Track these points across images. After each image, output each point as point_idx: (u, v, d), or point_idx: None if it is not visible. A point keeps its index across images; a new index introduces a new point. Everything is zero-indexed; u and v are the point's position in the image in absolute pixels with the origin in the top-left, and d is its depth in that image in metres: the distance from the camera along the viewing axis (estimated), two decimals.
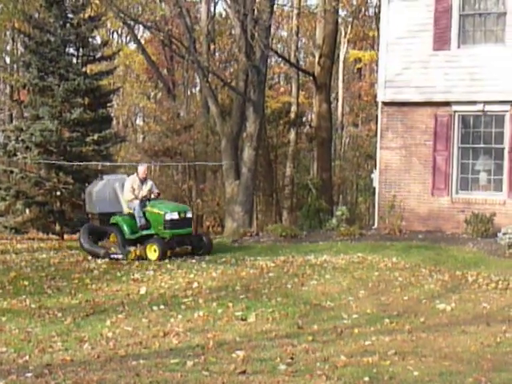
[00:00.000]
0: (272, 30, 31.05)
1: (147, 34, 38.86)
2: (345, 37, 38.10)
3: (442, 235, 17.70)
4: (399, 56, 19.07)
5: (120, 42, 42.81)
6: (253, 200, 24.74)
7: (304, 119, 39.20)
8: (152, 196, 16.59)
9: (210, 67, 27.66)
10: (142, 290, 12.42)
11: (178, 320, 10.35)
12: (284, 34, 42.68)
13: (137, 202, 16.35)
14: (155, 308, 11.10)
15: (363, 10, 39.13)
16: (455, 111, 18.59)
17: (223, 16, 39.10)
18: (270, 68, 37.70)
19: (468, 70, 18.25)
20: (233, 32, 32.92)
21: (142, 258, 15.60)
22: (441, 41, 18.49)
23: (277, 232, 18.96)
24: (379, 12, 20.89)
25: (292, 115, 34.23)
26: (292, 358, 8.14)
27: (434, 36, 18.57)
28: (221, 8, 66.81)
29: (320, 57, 27.73)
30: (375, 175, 19.71)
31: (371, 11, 38.40)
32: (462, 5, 18.35)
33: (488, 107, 18.18)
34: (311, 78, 29.98)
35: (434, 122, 18.80)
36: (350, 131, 41.84)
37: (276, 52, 33.01)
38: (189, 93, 38.91)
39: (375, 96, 20.75)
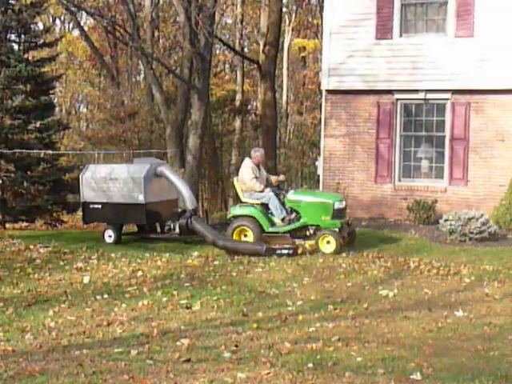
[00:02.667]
0: (216, 18, 30.92)
1: (90, 21, 38.32)
2: (289, 25, 38.14)
3: (385, 222, 17.92)
4: (343, 45, 19.15)
5: (63, 28, 42.12)
6: (198, 188, 24.66)
7: (249, 107, 39.21)
8: (274, 183, 15.23)
9: (154, 54, 27.40)
10: (86, 279, 12.24)
11: (122, 309, 10.23)
12: (229, 21, 42.54)
13: (268, 191, 14.89)
14: (99, 297, 10.95)
15: None
16: (398, 99, 18.78)
17: (167, 3, 38.73)
18: (215, 56, 37.54)
19: (410, 58, 18.43)
20: (177, 19, 32.68)
21: (312, 251, 14.17)
22: (383, 30, 18.63)
23: (222, 220, 18.92)
24: (323, 1, 20.92)
25: (237, 103, 34.18)
26: (237, 346, 8.12)
27: (377, 25, 18.70)
28: None
29: (265, 45, 27.69)
30: (319, 163, 19.82)
31: (315, 0, 38.51)
32: None
33: (430, 95, 18.41)
34: (256, 66, 29.95)
35: (376, 110, 18.97)
36: (294, 119, 41.91)
37: (221, 40, 32.86)
38: (133, 80, 38.53)
39: (319, 84, 20.86)
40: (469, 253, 14.03)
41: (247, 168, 15.03)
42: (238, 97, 34.19)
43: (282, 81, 39.38)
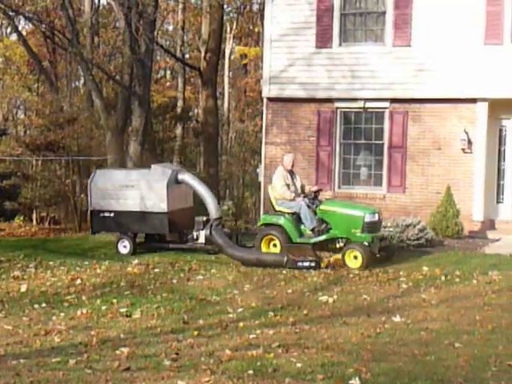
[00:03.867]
0: (157, 24, 30.77)
1: (29, 26, 37.74)
2: (230, 32, 38.22)
3: None
4: (283, 53, 19.29)
5: (0, 33, 41.41)
6: None
7: (190, 114, 39.08)
8: (307, 192, 14.76)
9: (93, 60, 27.13)
10: (23, 288, 12.07)
11: (61, 318, 10.11)
12: (170, 28, 42.41)
13: (300, 200, 14.38)
14: (36, 306, 10.81)
15: (248, 6, 39.34)
16: (337, 108, 19.00)
17: (107, 8, 38.41)
18: (156, 62, 37.37)
19: (349, 67, 18.68)
20: (117, 25, 32.43)
21: (337, 266, 13.45)
22: (323, 39, 18.83)
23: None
24: (263, 9, 21.03)
25: (178, 110, 34.07)
26: (177, 354, 8.09)
27: (317, 34, 18.89)
28: (104, 0, 65.64)
29: (206, 52, 27.68)
30: (261, 170, 19.89)
31: (256, 8, 38.68)
32: (343, 4, 18.76)
33: (368, 104, 18.67)
34: (197, 72, 29.90)
35: (317, 118, 19.14)
36: (236, 126, 41.97)
37: (161, 46, 32.73)
38: (72, 86, 38.04)
39: (261, 92, 20.90)
40: (406, 259, 14.23)
41: (278, 175, 14.61)
42: (180, 103, 34.09)
43: (224, 88, 39.42)
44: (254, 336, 8.88)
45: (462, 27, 17.66)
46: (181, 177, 15.25)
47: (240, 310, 10.45)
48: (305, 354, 7.92)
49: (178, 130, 34.01)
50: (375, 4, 18.68)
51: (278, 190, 14.42)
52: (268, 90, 19.59)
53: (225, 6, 31.40)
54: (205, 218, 15.18)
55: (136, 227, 15.27)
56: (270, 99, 19.68)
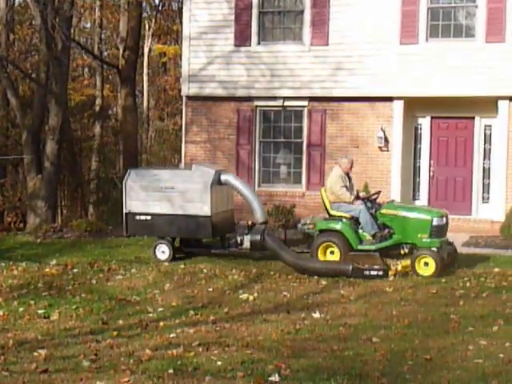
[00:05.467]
0: (74, 22, 30.33)
1: None
2: (149, 30, 37.93)
3: None
4: (202, 51, 19.29)
5: None
6: (57, 195, 24.07)
7: (109, 113, 38.66)
8: (362, 196, 13.86)
9: (9, 58, 26.55)
10: None
11: None
12: (87, 25, 41.80)
13: (359, 203, 13.41)
14: None
15: (167, 4, 39.14)
16: (257, 106, 19.09)
17: (23, 5, 37.63)
18: (73, 60, 36.77)
19: (269, 66, 18.79)
20: (33, 22, 31.82)
21: (406, 273, 12.44)
22: (242, 37, 18.90)
23: (81, 227, 18.59)
24: (182, 7, 20.98)
25: (97, 108, 33.64)
26: (96, 355, 8.01)
27: (236, 32, 18.95)
28: None
29: (124, 50, 27.36)
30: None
31: (175, 6, 38.53)
32: (261, 2, 18.87)
33: (287, 103, 18.82)
34: (116, 70, 29.57)
35: (237, 116, 19.21)
36: (156, 125, 41.73)
37: (79, 43, 32.25)
38: None
39: (180, 90, 20.83)
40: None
41: (336, 177, 13.59)
42: (98, 102, 33.65)
43: (143, 86, 39.09)
44: (175, 335, 8.86)
45: (379, 26, 17.99)
46: (224, 178, 14.39)
47: (160, 309, 10.41)
48: (225, 352, 7.95)
49: (97, 129, 33.56)
50: (293, 3, 18.85)
51: (336, 192, 13.42)
52: (187, 89, 19.54)
53: (143, 4, 31.15)
54: (250, 222, 14.26)
55: (175, 231, 14.29)
56: (189, 97, 19.64)
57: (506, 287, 11.45)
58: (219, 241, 14.74)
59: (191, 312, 10.13)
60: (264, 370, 7.18)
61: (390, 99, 18.05)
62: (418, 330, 8.87)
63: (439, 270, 12.32)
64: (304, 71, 18.52)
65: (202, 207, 13.96)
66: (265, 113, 19.18)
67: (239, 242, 14.08)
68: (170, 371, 7.21)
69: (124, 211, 14.55)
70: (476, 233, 16.90)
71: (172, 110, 41.22)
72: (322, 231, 13.44)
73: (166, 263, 13.85)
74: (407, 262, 12.57)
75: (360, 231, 13.32)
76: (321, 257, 13.24)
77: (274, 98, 18.83)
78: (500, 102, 17.55)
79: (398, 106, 18.00)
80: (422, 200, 18.52)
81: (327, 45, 18.32)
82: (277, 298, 11.06)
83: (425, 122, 18.62)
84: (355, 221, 13.36)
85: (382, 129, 18.06)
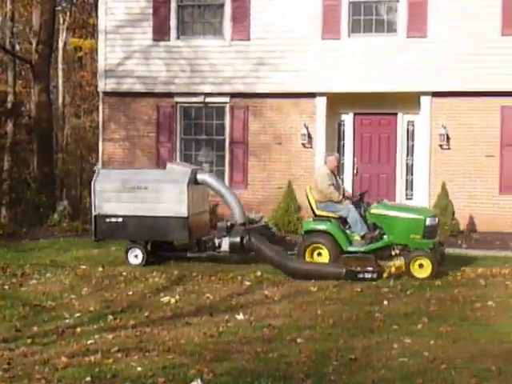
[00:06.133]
0: None
1: None
2: (64, 24, 37.33)
3: None
4: (119, 45, 19.08)
5: None
6: None
7: (22, 109, 37.86)
8: (347, 195, 13.70)
9: None
10: None
11: None
12: None
13: (348, 203, 13.13)
14: None
15: None
16: (177, 102, 19.01)
17: None
18: None
19: (189, 61, 18.72)
20: None
21: (400, 275, 12.25)
22: (161, 31, 18.77)
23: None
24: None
25: (9, 105, 32.91)
26: (9, 363, 7.80)
27: (154, 26, 18.81)
28: None
29: (37, 44, 26.86)
30: (98, 168, 19.54)
31: None
32: None
33: (209, 99, 18.78)
34: (29, 66, 29.01)
35: (156, 113, 19.07)
36: (72, 122, 41.08)
37: None
38: None
39: (97, 86, 20.55)
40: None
41: (323, 175, 13.30)
42: (10, 98, 32.92)
43: (58, 82, 38.45)
44: (92, 341, 8.70)
45: (300, 21, 18.14)
46: (201, 177, 14.10)
47: (77, 314, 10.20)
48: (145, 358, 7.86)
49: (9, 127, 32.82)
50: None
51: (324, 190, 13.12)
52: (104, 84, 19.30)
53: None
54: (229, 224, 14.01)
55: (149, 234, 13.90)
56: (106, 93, 19.40)
57: (430, 285, 11.67)
58: (194, 244, 14.46)
59: (110, 317, 9.96)
60: (186, 375, 7.13)
61: (312, 95, 18.23)
62: (342, 330, 8.97)
63: (434, 271, 12.22)
64: (225, 67, 18.51)
65: (178, 208, 13.64)
66: (185, 109, 19.10)
67: (217, 244, 13.84)
68: (88, 379, 7.09)
69: (93, 214, 14.12)
70: None
71: (89, 106, 40.64)
72: (308, 232, 13.19)
73: (84, 266, 13.65)
74: (400, 262, 12.38)
75: (348, 232, 13.10)
76: (308, 259, 13.01)
77: (195, 94, 18.76)
78: (422, 98, 17.93)
79: (321, 102, 18.20)
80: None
81: (249, 40, 18.35)
82: (199, 300, 10.99)
83: (348, 119, 18.83)
84: (343, 221, 13.15)
85: (305, 125, 18.26)
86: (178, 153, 19.02)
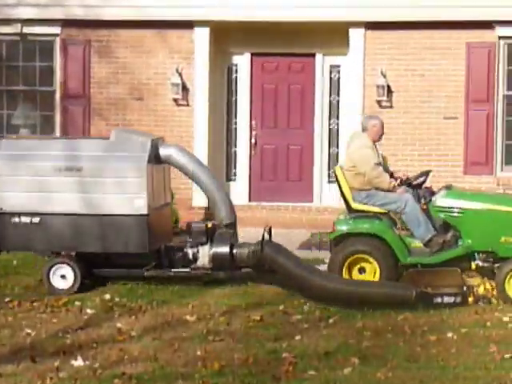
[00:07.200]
0: None
1: None
2: None
3: None
4: None
5: None
6: None
7: None
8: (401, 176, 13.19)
9: None
10: None
11: None
12: None
13: (402, 192, 12.81)
14: None
15: None
16: None
17: None
18: None
19: None
20: None
21: (487, 298, 12.08)
22: None
23: None
24: None
25: None
26: None
27: None
28: None
29: None
30: None
31: None
32: None
33: (28, 29, 18.50)
34: None
35: None
36: None
37: None
38: None
39: None
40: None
41: (365, 149, 12.83)
42: None
43: None
44: None
45: None
46: (165, 152, 13.49)
47: None
48: None
49: None
50: None
51: (370, 172, 12.69)
52: None
53: None
54: (209, 224, 13.47)
55: (85, 243, 13.24)
56: None
57: (362, 310, 11.66)
58: (152, 256, 13.60)
59: None
60: None
61: (189, 25, 18.38)
62: (233, 379, 8.75)
63: None
64: None
65: (132, 201, 12.98)
66: None
67: (191, 257, 13.31)
68: None
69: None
70: (320, 228, 16.47)
71: None
72: (345, 236, 12.78)
73: None
74: (490, 282, 12.22)
75: (403, 234, 12.93)
76: (346, 276, 12.66)
77: (8, 22, 18.39)
78: (352, 31, 18.21)
79: (202, 35, 18.38)
80: (240, 180, 18.94)
81: None
82: (15, 338, 10.67)
83: (242, 62, 19.06)
84: (391, 219, 12.98)
85: (178, 71, 18.34)
86: None
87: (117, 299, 12.61)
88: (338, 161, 18.64)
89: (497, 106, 18.36)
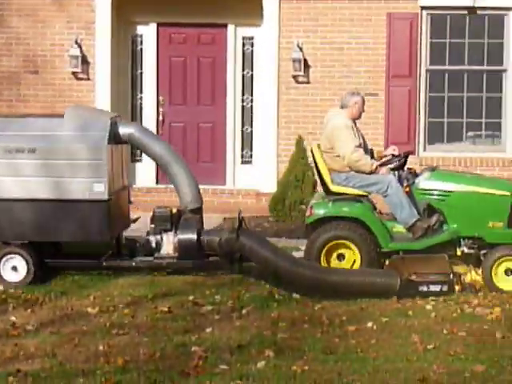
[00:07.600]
0: None
1: None
2: None
3: None
4: None
5: None
6: None
7: None
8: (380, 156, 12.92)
9: None
10: None
11: None
12: None
13: (384, 172, 12.46)
14: None
15: None
16: None
17: None
18: None
19: None
20: None
21: (474, 287, 11.82)
22: None
23: None
24: None
25: None
26: None
27: None
28: None
29: None
30: None
31: None
32: None
33: None
34: None
35: None
36: None
37: None
38: None
39: None
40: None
41: (345, 128, 12.45)
42: None
43: None
44: None
45: None
46: (126, 130, 12.95)
47: None
48: None
49: None
50: None
51: (351, 154, 12.36)
52: None
53: None
54: (173, 210, 13.10)
55: (38, 231, 12.69)
56: None
57: (278, 299, 11.56)
58: (110, 244, 13.34)
59: None
60: None
61: None
62: (139, 375, 8.49)
63: None
64: None
65: (91, 185, 12.48)
66: None
67: (154, 245, 12.95)
68: None
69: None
70: (233, 213, 16.13)
71: None
72: (323, 221, 12.42)
73: None
74: (476, 270, 12.11)
75: (392, 220, 12.64)
76: (324, 264, 12.36)
77: None
78: (266, 1, 18.12)
79: (104, 3, 18.14)
80: (147, 161, 17.97)
81: None
82: None
83: (148, 33, 18.95)
84: (371, 202, 12.70)
85: (77, 42, 18.03)
86: None
87: (11, 290, 12.21)
88: (252, 141, 18.69)
89: (419, 81, 18.39)
